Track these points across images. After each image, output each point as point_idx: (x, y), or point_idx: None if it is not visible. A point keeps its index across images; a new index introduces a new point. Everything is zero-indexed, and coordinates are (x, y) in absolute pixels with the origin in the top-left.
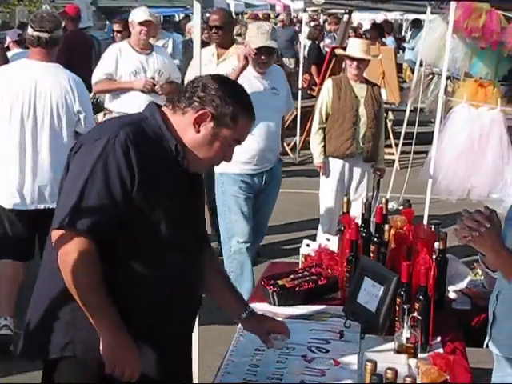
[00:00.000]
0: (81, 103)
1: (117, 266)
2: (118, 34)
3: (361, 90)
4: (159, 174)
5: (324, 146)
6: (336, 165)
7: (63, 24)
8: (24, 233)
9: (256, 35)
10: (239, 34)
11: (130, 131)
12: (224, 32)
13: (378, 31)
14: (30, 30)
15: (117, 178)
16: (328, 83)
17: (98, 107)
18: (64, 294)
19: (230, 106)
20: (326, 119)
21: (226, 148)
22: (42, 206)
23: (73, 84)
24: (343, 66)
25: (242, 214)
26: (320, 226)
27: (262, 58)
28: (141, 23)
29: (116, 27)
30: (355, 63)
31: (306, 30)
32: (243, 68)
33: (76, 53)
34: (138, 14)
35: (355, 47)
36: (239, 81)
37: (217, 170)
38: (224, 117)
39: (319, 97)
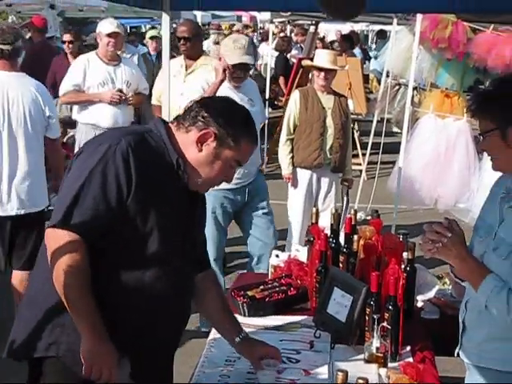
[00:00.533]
0: (50, 109)
1: (107, 273)
2: (70, 45)
3: (328, 101)
4: (158, 184)
5: (292, 157)
6: (304, 175)
7: (29, 35)
8: (6, 240)
9: (232, 50)
10: (217, 43)
11: (132, 140)
12: (192, 43)
13: (349, 43)
14: None
15: (114, 183)
16: (295, 94)
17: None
18: (52, 295)
19: (234, 127)
20: (294, 130)
21: (228, 169)
22: (22, 212)
23: (40, 91)
24: (310, 76)
25: (217, 231)
26: (288, 237)
27: (238, 73)
28: (108, 35)
29: (66, 38)
30: (323, 74)
31: (273, 41)
32: (221, 82)
33: (42, 63)
34: (106, 26)
35: (322, 58)
36: (221, 93)
37: None
38: (227, 138)
39: (287, 108)
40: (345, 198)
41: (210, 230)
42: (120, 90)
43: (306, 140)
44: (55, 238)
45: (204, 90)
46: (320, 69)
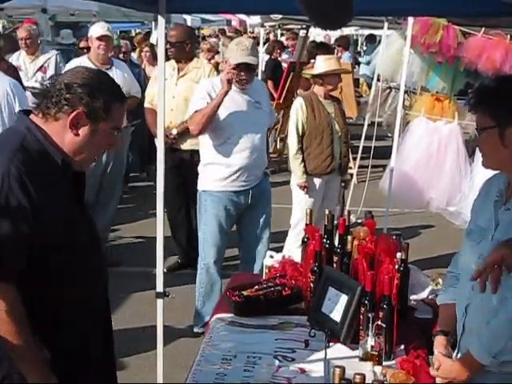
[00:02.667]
0: (20, 104)
1: (40, 292)
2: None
3: (329, 106)
4: (54, 193)
5: (304, 165)
6: (317, 182)
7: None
8: None
9: (235, 51)
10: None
11: (18, 162)
12: (180, 48)
13: (344, 46)
14: None
15: (22, 215)
16: (299, 102)
17: None
18: None
19: (100, 98)
20: (302, 138)
21: (107, 138)
22: None
23: (13, 87)
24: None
25: (219, 233)
26: (293, 240)
27: (242, 74)
28: (99, 38)
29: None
30: (328, 79)
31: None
32: (226, 93)
33: None
34: (96, 30)
35: (327, 64)
36: (227, 96)
37: (200, 187)
38: (97, 112)
39: (292, 116)
40: (340, 200)
41: (211, 232)
42: None
43: (318, 148)
44: None
45: (194, 91)
46: (324, 74)
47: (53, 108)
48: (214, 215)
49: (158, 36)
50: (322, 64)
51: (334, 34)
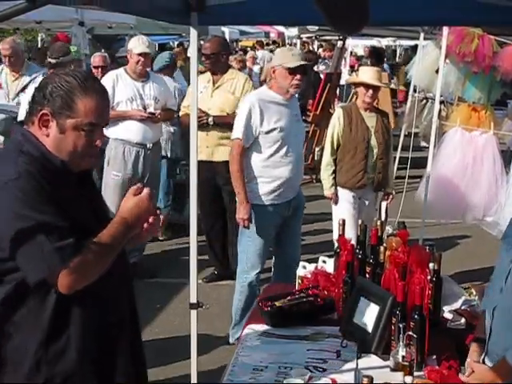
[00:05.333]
0: None
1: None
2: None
3: (371, 119)
4: (62, 196)
5: (334, 177)
6: (346, 194)
7: None
8: None
9: (290, 56)
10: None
11: (24, 164)
12: (214, 59)
13: (377, 58)
14: None
15: (47, 207)
16: (338, 113)
17: None
18: (29, 334)
19: (59, 94)
20: (337, 149)
21: (84, 136)
22: None
23: None
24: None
25: (263, 246)
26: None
27: (298, 77)
28: (139, 54)
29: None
30: (370, 91)
31: None
32: None
33: None
34: (137, 45)
35: (369, 75)
36: (273, 109)
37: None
38: (60, 109)
39: (330, 127)
40: (383, 213)
41: (256, 246)
42: (145, 108)
43: (350, 162)
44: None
45: (229, 102)
46: (367, 86)
47: (30, 112)
48: (259, 228)
49: (190, 48)
50: (363, 75)
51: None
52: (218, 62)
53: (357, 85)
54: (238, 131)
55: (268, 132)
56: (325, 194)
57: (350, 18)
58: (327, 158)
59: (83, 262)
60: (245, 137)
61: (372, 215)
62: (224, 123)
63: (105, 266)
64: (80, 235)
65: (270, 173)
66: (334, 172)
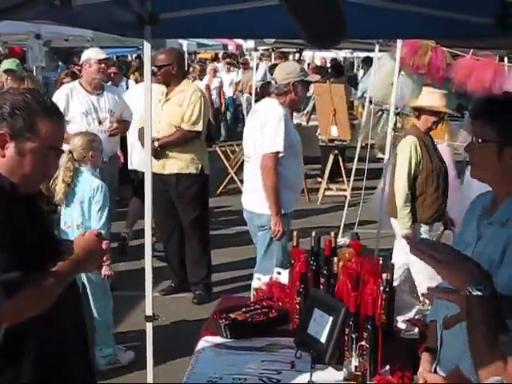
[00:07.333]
0: None
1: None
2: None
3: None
4: (8, 217)
5: (413, 214)
6: (426, 232)
7: None
8: None
9: (298, 72)
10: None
11: None
12: (166, 71)
13: (337, 70)
14: None
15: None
16: (413, 141)
17: None
18: None
19: (21, 117)
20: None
21: (43, 159)
22: None
23: None
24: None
25: (285, 253)
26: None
27: (301, 91)
28: (99, 61)
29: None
30: (437, 118)
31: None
32: None
33: None
34: (96, 53)
35: (441, 102)
36: (290, 121)
37: (267, 211)
38: (21, 131)
39: (401, 158)
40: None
41: (279, 254)
42: (100, 122)
43: (434, 195)
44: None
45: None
46: (438, 113)
47: None
48: (286, 235)
49: (144, 61)
50: (433, 100)
51: (329, 57)
52: (168, 73)
53: (418, 109)
54: (278, 145)
55: (293, 144)
56: (401, 235)
57: (326, 30)
58: (405, 192)
59: (28, 296)
60: (283, 149)
61: None
62: (170, 144)
63: (52, 300)
64: (30, 258)
65: (294, 182)
66: (413, 208)
